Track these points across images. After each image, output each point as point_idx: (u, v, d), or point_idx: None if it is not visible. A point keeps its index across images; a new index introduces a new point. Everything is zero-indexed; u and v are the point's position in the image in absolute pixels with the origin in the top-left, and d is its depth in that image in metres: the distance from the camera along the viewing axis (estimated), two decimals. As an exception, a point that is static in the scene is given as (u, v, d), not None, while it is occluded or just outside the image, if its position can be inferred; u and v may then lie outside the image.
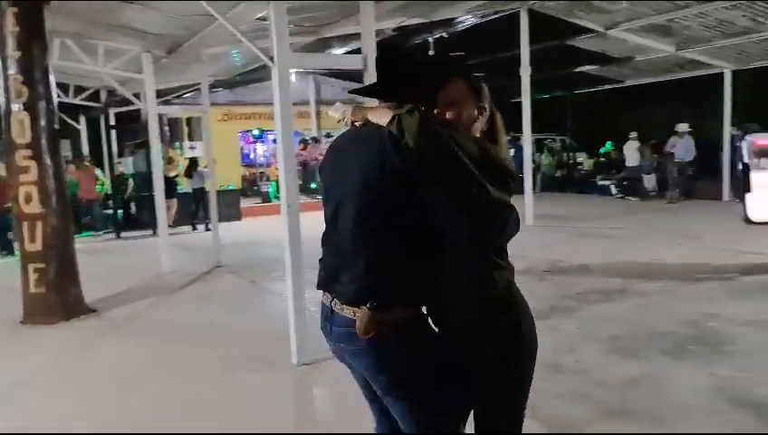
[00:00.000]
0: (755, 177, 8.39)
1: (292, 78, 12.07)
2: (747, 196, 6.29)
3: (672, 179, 13.84)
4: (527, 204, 11.33)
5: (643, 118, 17.08)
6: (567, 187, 17.83)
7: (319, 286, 2.01)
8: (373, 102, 1.98)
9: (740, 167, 6.27)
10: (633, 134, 15.18)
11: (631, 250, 8.52)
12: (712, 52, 12.89)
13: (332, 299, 1.91)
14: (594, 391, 3.87)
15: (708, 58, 13.23)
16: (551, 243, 9.21)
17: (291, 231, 4.50)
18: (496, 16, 11.82)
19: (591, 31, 12.41)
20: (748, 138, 6.22)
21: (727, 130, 13.71)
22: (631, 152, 15.03)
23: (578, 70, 15.53)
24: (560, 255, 8.25)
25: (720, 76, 13.63)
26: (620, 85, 16.53)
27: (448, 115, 1.91)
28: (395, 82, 1.89)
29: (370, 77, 4.81)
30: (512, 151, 18.25)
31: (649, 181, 15.00)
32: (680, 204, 13.44)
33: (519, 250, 8.22)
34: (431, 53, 13.64)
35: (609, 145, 18.42)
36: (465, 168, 1.69)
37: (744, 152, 6.19)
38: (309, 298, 4.68)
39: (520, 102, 11.86)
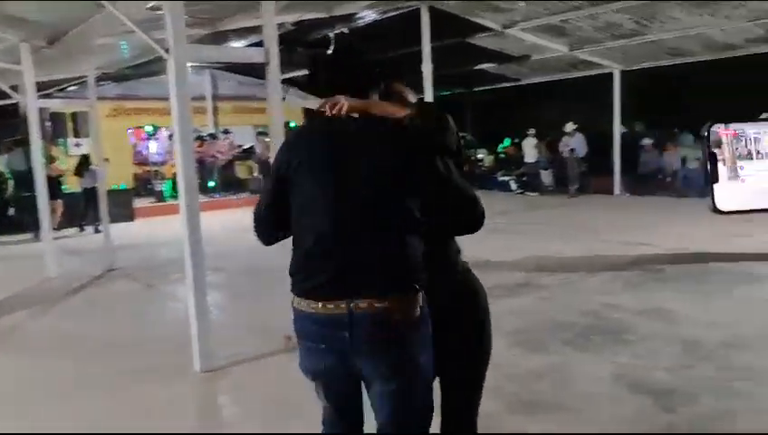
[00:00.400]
0: (722, 167, 8.77)
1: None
2: (714, 186, 6.66)
3: (572, 175, 14.48)
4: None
5: (539, 115, 17.71)
6: (468, 183, 18.21)
7: (326, 295, 1.86)
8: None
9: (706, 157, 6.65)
10: (531, 131, 15.75)
11: (533, 244, 8.78)
12: (602, 52, 13.56)
13: (352, 301, 1.83)
14: (505, 384, 3.89)
15: (599, 58, 13.91)
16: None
17: (191, 232, 4.24)
18: (397, 13, 11.86)
19: (490, 30, 12.71)
20: (713, 129, 6.55)
21: (617, 128, 14.51)
22: (529, 149, 15.59)
23: (477, 67, 15.88)
24: (464, 251, 8.36)
25: (610, 76, 14.39)
26: (518, 83, 17.07)
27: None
28: (354, 76, 2.04)
29: (274, 71, 4.63)
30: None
31: (547, 177, 15.63)
32: (578, 198, 14.08)
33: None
34: (332, 48, 13.55)
35: (507, 142, 19.04)
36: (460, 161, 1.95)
37: (711, 143, 6.53)
38: (211, 301, 4.45)
39: (422, 99, 11.93)
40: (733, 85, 13.81)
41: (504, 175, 17.36)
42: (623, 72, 14.33)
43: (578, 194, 14.35)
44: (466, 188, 1.99)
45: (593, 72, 14.81)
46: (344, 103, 1.92)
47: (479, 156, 19.77)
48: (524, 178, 16.13)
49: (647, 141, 14.72)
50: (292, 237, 2.00)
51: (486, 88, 17.91)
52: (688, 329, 4.81)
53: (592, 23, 11.85)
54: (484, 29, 12.77)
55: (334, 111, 1.93)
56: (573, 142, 14.48)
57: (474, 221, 2.00)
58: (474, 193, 1.99)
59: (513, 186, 16.42)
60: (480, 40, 13.77)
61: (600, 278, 6.60)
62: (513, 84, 17.12)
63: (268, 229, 2.08)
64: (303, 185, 1.92)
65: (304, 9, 9.19)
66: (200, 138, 16.04)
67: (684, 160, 13.90)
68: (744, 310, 5.25)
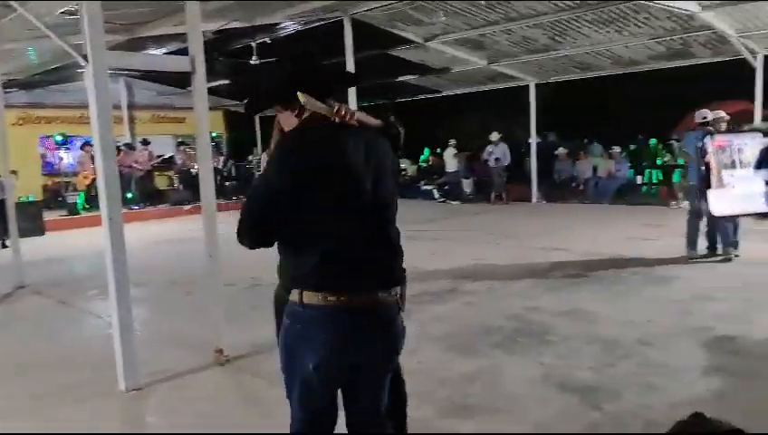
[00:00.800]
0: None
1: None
2: (709, 192, 7.08)
3: (498, 183, 14.90)
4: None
5: (460, 126, 18.17)
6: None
7: (369, 287, 2.00)
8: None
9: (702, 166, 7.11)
10: (452, 141, 16.12)
11: (458, 251, 8.99)
12: (518, 66, 14.09)
13: (379, 293, 2.02)
14: (437, 389, 3.96)
15: (515, 71, 14.44)
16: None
17: (114, 246, 4.06)
18: (320, 24, 11.88)
19: (412, 42, 12.95)
20: (707, 139, 6.98)
21: (534, 138, 15.09)
22: (450, 159, 15.94)
23: (399, 79, 16.12)
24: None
25: (526, 88, 14.95)
26: (438, 95, 17.45)
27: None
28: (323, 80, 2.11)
29: (200, 79, 4.54)
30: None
31: (468, 186, 16.02)
32: (497, 206, 14.51)
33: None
34: (255, 58, 13.41)
35: (427, 152, 19.39)
36: None
37: (710, 150, 6.94)
38: (134, 316, 4.29)
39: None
40: (638, 98, 14.69)
41: (426, 184, 17.67)
42: (538, 85, 14.93)
43: (506, 200, 14.80)
44: None
45: (510, 85, 15.36)
46: (353, 112, 2.03)
47: (402, 165, 20.03)
48: (446, 187, 16.47)
49: (561, 151, 15.38)
50: (284, 240, 2.06)
51: (408, 99, 18.21)
52: (607, 328, 5.06)
53: (509, 37, 12.30)
54: (405, 41, 13.01)
55: (347, 118, 2.00)
56: (498, 151, 14.93)
57: None
58: None
59: (436, 194, 16.74)
60: (402, 52, 14.01)
61: (522, 283, 6.83)
62: (433, 96, 17.49)
63: (270, 231, 2.02)
64: (327, 190, 1.94)
65: (226, 17, 9.04)
66: (117, 148, 15.41)
67: (595, 169, 14.62)
68: (655, 309, 5.57)
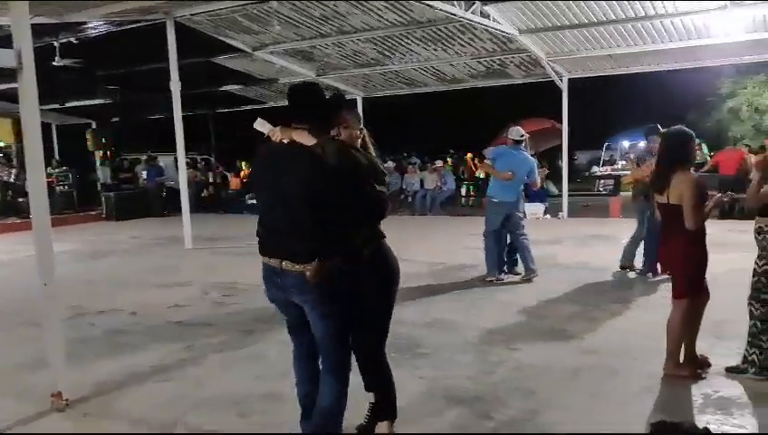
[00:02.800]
0: None
1: None
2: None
3: None
4: (185, 227, 10.71)
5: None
6: (215, 207, 17.61)
7: (265, 253, 2.89)
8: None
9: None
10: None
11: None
12: (346, 79, 14.21)
13: (281, 261, 2.80)
14: (324, 416, 3.68)
15: (343, 85, 14.54)
16: (215, 264, 8.92)
17: None
18: (138, 26, 10.98)
19: (240, 51, 12.48)
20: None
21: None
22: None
23: (223, 89, 15.48)
24: (230, 277, 7.98)
25: (354, 102, 15.11)
26: (263, 106, 17.02)
27: (342, 135, 2.95)
28: (310, 111, 2.84)
29: (28, 78, 3.83)
30: (144, 172, 17.30)
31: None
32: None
33: (184, 275, 7.66)
34: (58, 59, 12.04)
35: (244, 165, 18.82)
36: (363, 176, 2.86)
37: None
38: None
39: (162, 119, 11.21)
40: (460, 114, 15.59)
41: (252, 198, 17.06)
42: (365, 99, 15.19)
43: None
44: (369, 194, 2.93)
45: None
46: (276, 132, 2.88)
47: (219, 179, 19.23)
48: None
49: (390, 164, 15.79)
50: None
51: (230, 110, 17.54)
52: (473, 336, 5.12)
53: (340, 50, 12.36)
54: (233, 50, 12.50)
55: (274, 137, 2.90)
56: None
57: (375, 216, 3.06)
58: (377, 194, 2.97)
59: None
60: (227, 61, 13.46)
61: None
62: (259, 107, 17.02)
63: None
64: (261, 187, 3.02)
65: (31, 11, 7.93)
66: None
67: (422, 182, 15.21)
68: (510, 314, 5.79)
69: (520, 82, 13.24)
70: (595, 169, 21.44)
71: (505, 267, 7.35)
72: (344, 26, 10.96)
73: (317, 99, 2.88)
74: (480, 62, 12.38)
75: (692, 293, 4.00)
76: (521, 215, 7.30)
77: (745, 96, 24.69)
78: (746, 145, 14.96)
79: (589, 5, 9.52)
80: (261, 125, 3.01)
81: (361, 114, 13.01)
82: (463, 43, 11.39)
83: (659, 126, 6.66)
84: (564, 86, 12.46)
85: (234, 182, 18.97)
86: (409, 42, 11.54)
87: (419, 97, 15.18)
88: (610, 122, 24.72)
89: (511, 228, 7.09)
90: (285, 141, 2.79)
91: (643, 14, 9.58)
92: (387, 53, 12.23)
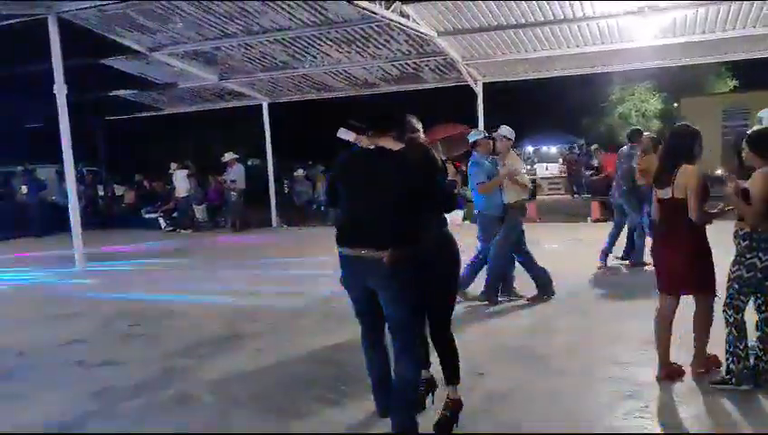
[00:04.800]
0: None
1: None
2: None
3: (235, 208, 13.72)
4: (76, 244, 9.53)
5: (190, 146, 16.74)
6: (108, 222, 16.17)
7: (347, 243, 3.20)
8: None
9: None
10: (178, 164, 14.64)
11: (212, 286, 7.91)
12: (251, 83, 13.39)
13: (362, 249, 3.12)
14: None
15: (248, 90, 13.70)
16: (114, 287, 7.94)
17: None
18: (17, 21, 9.70)
19: (134, 51, 11.38)
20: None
21: (270, 160, 14.43)
22: (181, 183, 14.45)
23: (114, 93, 14.16)
24: (135, 301, 7.07)
25: (260, 108, 14.29)
26: (162, 112, 15.80)
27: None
28: (392, 121, 3.34)
29: None
30: (25, 187, 15.44)
31: (201, 212, 14.70)
32: (240, 233, 13.47)
33: (78, 303, 6.56)
34: None
35: (136, 177, 17.49)
36: (440, 171, 3.45)
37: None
38: None
39: (40, 127, 9.96)
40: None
41: (150, 212, 15.80)
42: (271, 105, 14.40)
43: (239, 227, 13.72)
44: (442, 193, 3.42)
45: (244, 104, 14.58)
46: (362, 139, 3.47)
47: (118, 192, 17.77)
48: (175, 215, 14.91)
49: (299, 173, 15.06)
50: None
51: (123, 117, 16.16)
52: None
53: (246, 52, 11.55)
54: (126, 50, 11.38)
55: (360, 143, 3.51)
56: (234, 174, 13.73)
57: (448, 207, 3.54)
58: (448, 190, 3.52)
59: (163, 223, 15.03)
60: (120, 63, 12.28)
61: (308, 319, 6.09)
62: (157, 114, 15.79)
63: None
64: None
65: None
66: None
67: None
68: (465, 334, 5.31)
69: (433, 86, 12.98)
70: (502, 174, 21.60)
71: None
72: (252, 26, 10.19)
73: (394, 111, 3.46)
74: (395, 66, 11.99)
75: (713, 285, 3.87)
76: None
77: (633, 102, 26.12)
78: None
79: (509, 6, 9.34)
80: (345, 133, 3.59)
81: (267, 121, 12.33)
82: (378, 45, 10.94)
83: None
84: (479, 90, 12.32)
85: (128, 196, 17.46)
86: (322, 43, 10.94)
87: (327, 103, 14.61)
88: (515, 127, 25.21)
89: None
90: (372, 147, 3.28)
91: (562, 17, 9.53)
92: (297, 55, 11.55)
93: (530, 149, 24.21)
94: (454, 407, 3.44)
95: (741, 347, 3.72)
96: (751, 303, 3.77)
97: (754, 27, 9.62)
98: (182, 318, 6.28)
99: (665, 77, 23.26)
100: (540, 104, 24.70)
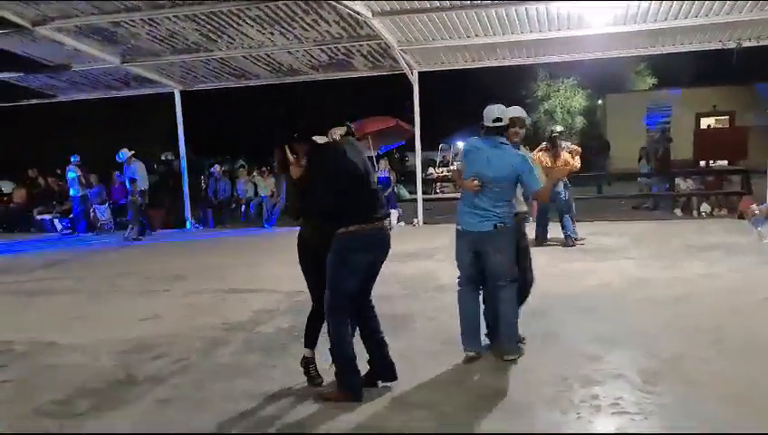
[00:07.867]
0: None
1: None
2: None
3: (134, 211, 11.89)
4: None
5: (87, 139, 14.88)
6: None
7: (375, 220, 3.70)
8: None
9: None
10: (75, 159, 12.87)
11: (111, 310, 6.51)
12: (160, 68, 11.85)
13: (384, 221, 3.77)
14: None
15: (157, 75, 12.15)
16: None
17: None
18: None
19: (13, 25, 9.63)
20: None
21: (183, 154, 12.92)
22: (77, 180, 12.70)
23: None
24: (7, 330, 5.62)
25: (172, 96, 12.74)
26: (52, 100, 13.88)
27: None
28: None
29: None
30: None
31: (103, 213, 12.99)
32: (147, 238, 11.86)
33: None
34: None
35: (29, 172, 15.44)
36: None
37: None
38: None
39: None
40: (297, 110, 13.87)
41: (43, 212, 13.92)
42: (184, 93, 12.88)
43: (147, 232, 12.04)
44: None
45: (153, 91, 12.96)
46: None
47: (4, 190, 15.64)
48: (72, 216, 13.14)
49: (217, 168, 13.61)
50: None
51: (6, 105, 14.09)
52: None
53: (152, 30, 10.04)
54: (4, 23, 9.61)
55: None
56: (132, 172, 12.01)
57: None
58: None
59: (59, 226, 13.24)
60: (-3, 39, 10.45)
61: (230, 347, 4.88)
62: (47, 101, 13.85)
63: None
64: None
65: None
66: None
67: (256, 188, 13.24)
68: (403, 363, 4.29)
69: (366, 75, 11.89)
70: (431, 171, 20.90)
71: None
72: (157, -3, 8.75)
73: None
74: (323, 50, 10.77)
75: None
76: None
77: (558, 99, 26.01)
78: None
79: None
80: (327, 136, 3.72)
81: (179, 109, 10.73)
82: (306, 26, 9.70)
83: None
84: (415, 80, 11.33)
85: (18, 194, 15.33)
86: (240, 22, 9.59)
87: (250, 90, 13.21)
88: (440, 122, 24.56)
89: None
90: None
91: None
92: (212, 35, 10.14)
93: (459, 144, 23.56)
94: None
95: None
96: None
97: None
98: (70, 352, 4.93)
99: (588, 74, 23.26)
100: (465, 98, 24.12)
